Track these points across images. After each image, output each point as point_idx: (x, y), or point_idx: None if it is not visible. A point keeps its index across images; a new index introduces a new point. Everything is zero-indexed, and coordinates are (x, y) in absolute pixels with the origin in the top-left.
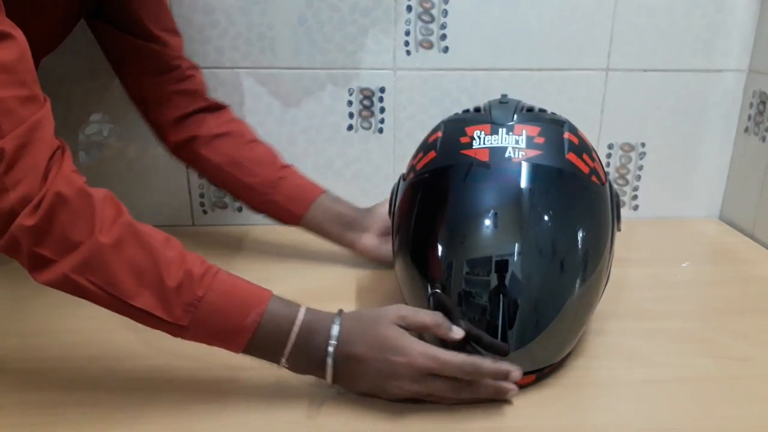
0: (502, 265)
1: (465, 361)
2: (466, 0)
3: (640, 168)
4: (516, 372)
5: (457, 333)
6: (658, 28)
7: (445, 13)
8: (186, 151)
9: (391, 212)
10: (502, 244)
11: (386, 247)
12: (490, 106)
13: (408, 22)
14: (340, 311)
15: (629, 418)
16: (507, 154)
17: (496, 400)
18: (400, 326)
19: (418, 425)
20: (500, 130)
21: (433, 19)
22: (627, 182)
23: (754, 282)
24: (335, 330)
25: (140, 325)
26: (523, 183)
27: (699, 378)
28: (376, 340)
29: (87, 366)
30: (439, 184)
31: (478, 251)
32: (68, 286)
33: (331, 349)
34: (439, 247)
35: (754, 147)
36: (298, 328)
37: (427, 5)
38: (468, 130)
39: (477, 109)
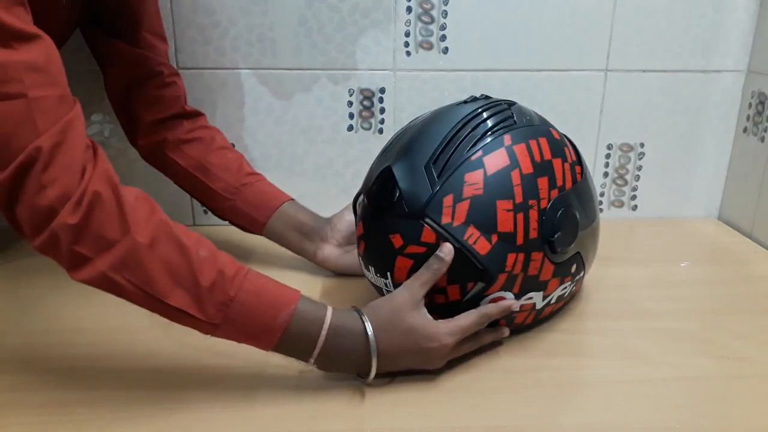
0: None
1: (478, 316)
2: (466, 1)
3: (639, 168)
4: (515, 304)
5: (446, 250)
6: (657, 29)
7: (444, 14)
8: (154, 154)
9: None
10: None
11: (347, 257)
12: (509, 105)
13: (408, 23)
14: (358, 309)
15: (628, 418)
16: None
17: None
18: (421, 308)
19: (417, 422)
20: None
21: (432, 20)
22: (626, 182)
23: (753, 282)
24: (369, 327)
25: (142, 326)
26: None
27: (698, 377)
28: (405, 334)
29: (90, 365)
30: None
31: None
32: (105, 284)
33: (373, 347)
34: None
35: (752, 147)
36: (326, 330)
37: (427, 6)
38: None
39: (502, 116)
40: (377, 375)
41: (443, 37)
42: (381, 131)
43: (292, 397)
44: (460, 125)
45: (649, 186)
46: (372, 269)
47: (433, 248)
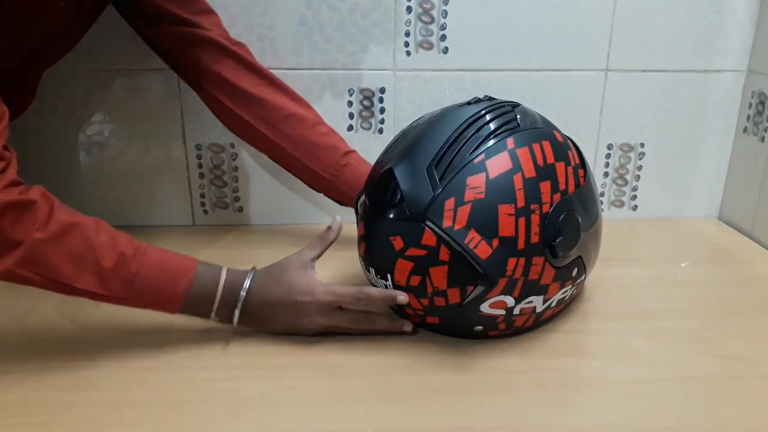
0: None
1: (358, 290)
2: (466, 1)
3: (639, 168)
4: (402, 297)
5: (333, 223)
6: (657, 29)
7: (444, 14)
8: (248, 131)
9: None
10: None
11: None
12: (513, 107)
13: (408, 23)
14: (254, 267)
15: (629, 417)
16: None
17: (393, 332)
18: (307, 269)
19: (417, 422)
20: None
21: (432, 20)
22: (626, 182)
23: (753, 282)
24: (247, 283)
25: (141, 326)
26: None
27: (698, 377)
28: (286, 285)
29: (90, 365)
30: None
31: None
32: (13, 278)
33: (243, 294)
34: None
35: (752, 147)
36: (221, 287)
37: (427, 6)
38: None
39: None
40: (267, 332)
41: (443, 37)
42: (381, 131)
43: (293, 397)
44: (463, 127)
45: (649, 186)
46: (372, 270)
47: (433, 251)
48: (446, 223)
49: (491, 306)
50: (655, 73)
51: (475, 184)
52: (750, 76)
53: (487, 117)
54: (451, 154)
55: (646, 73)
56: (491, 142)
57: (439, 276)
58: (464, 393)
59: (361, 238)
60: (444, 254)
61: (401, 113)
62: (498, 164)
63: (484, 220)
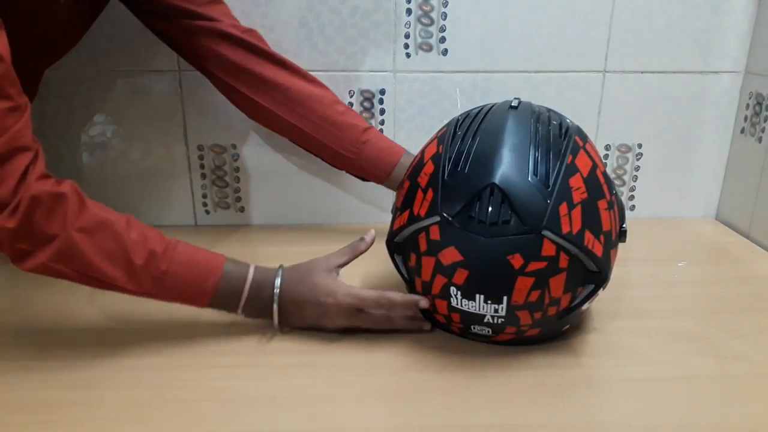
0: None
1: (380, 295)
2: (465, 3)
3: (637, 169)
4: (423, 301)
5: (367, 235)
6: (655, 31)
7: (444, 16)
8: (267, 116)
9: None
10: None
11: None
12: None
13: (408, 25)
14: (281, 266)
15: (626, 416)
16: None
17: (413, 331)
18: (332, 272)
19: (418, 421)
20: None
21: (432, 22)
22: (624, 183)
23: (750, 281)
24: (278, 281)
25: (142, 325)
26: None
27: (696, 376)
28: (311, 287)
29: (90, 365)
30: None
31: None
32: (48, 271)
33: (276, 294)
34: None
35: (750, 148)
36: (248, 284)
37: (427, 8)
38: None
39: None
40: (293, 327)
41: (443, 39)
42: (381, 132)
43: (293, 396)
44: (533, 132)
45: (646, 186)
46: (480, 297)
47: (553, 261)
48: (565, 228)
49: (590, 302)
50: (652, 74)
51: (577, 185)
52: (747, 77)
53: (543, 118)
54: (542, 159)
55: (643, 75)
56: (566, 142)
57: (557, 285)
58: (464, 391)
59: (458, 266)
60: (563, 261)
61: (401, 114)
62: (584, 162)
63: (592, 219)
